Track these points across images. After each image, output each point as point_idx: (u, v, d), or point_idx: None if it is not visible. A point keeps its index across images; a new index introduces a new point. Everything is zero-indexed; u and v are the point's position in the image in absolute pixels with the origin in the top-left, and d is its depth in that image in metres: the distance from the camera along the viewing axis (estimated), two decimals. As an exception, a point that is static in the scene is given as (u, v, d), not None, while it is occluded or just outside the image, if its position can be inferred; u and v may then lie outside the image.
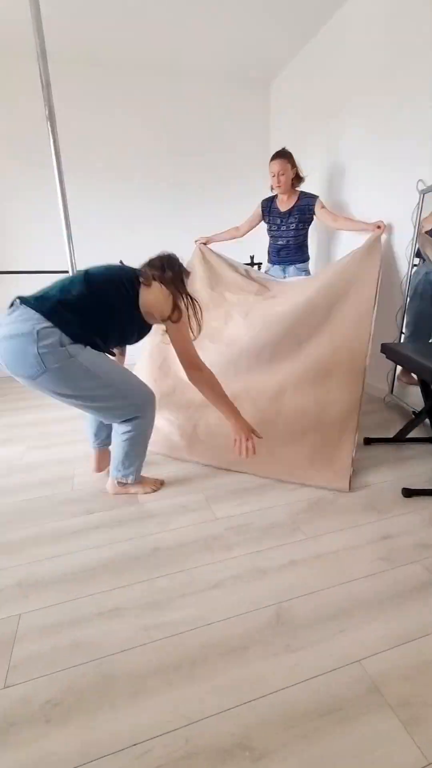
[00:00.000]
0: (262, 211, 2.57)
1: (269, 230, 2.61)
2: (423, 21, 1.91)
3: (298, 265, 2.62)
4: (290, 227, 2.48)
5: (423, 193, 2.02)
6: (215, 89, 3.32)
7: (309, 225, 2.50)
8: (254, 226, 2.65)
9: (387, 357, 1.82)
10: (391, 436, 1.97)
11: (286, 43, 2.82)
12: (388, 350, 1.81)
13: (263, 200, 2.57)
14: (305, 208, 2.43)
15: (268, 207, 2.54)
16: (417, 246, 2.11)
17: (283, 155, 2.34)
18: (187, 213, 3.51)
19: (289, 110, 3.22)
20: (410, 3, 1.96)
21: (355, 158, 2.52)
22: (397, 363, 2.02)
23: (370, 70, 2.29)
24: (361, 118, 2.40)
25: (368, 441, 1.96)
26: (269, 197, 2.55)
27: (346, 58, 2.46)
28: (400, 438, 1.94)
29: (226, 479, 1.72)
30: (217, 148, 3.45)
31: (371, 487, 1.63)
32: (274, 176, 2.36)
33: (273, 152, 2.39)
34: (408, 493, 1.55)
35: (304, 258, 2.63)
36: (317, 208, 2.41)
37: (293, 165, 2.37)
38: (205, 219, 3.15)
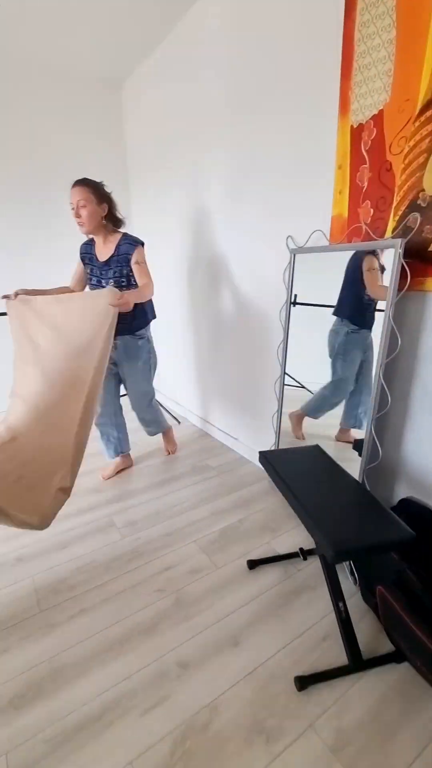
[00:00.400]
0: (82, 258, 1.98)
1: (89, 284, 1.99)
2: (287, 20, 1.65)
3: (126, 337, 1.96)
4: (109, 283, 1.86)
5: (293, 253, 1.78)
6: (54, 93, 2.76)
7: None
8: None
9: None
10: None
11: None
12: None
13: (82, 244, 1.98)
14: (123, 258, 1.84)
15: (88, 253, 1.94)
16: (290, 310, 1.87)
17: (84, 183, 1.75)
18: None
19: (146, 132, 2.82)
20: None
21: (222, 197, 2.22)
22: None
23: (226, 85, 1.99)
24: (223, 145, 2.11)
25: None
26: (88, 240, 1.97)
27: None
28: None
29: None
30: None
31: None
32: (73, 209, 1.76)
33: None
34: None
35: (137, 325, 1.98)
36: (132, 261, 1.83)
37: (101, 199, 1.79)
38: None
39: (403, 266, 1.27)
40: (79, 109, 2.84)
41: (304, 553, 1.60)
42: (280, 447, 2.05)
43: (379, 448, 1.43)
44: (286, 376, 1.96)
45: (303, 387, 1.91)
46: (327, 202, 1.59)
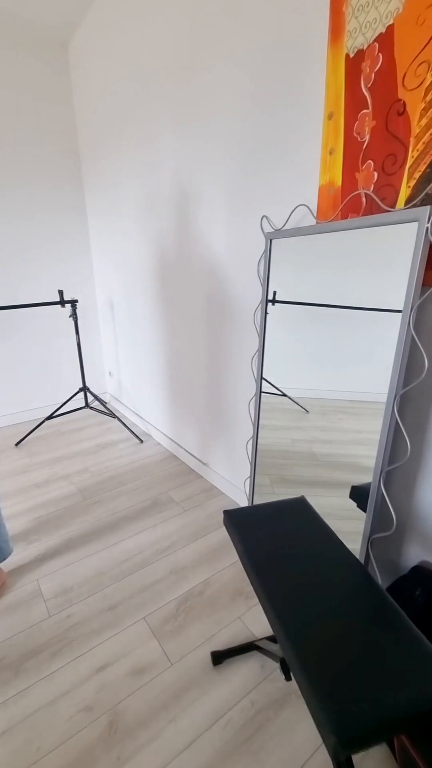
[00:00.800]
0: None
1: None
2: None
3: None
4: None
5: (269, 238, 1.36)
6: (-9, 48, 2.25)
7: None
8: None
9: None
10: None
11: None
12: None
13: None
14: None
15: None
16: (266, 312, 1.45)
17: None
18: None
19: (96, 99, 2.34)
20: None
21: (179, 176, 1.77)
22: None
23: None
24: (170, 108, 1.66)
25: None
26: None
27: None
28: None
29: None
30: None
31: None
32: None
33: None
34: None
35: None
36: None
37: None
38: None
39: None
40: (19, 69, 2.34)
41: (287, 671, 1.00)
42: (265, 477, 1.65)
43: (393, 514, 1.03)
44: (263, 393, 1.55)
45: (284, 395, 1.51)
46: (313, 167, 1.17)
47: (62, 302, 2.40)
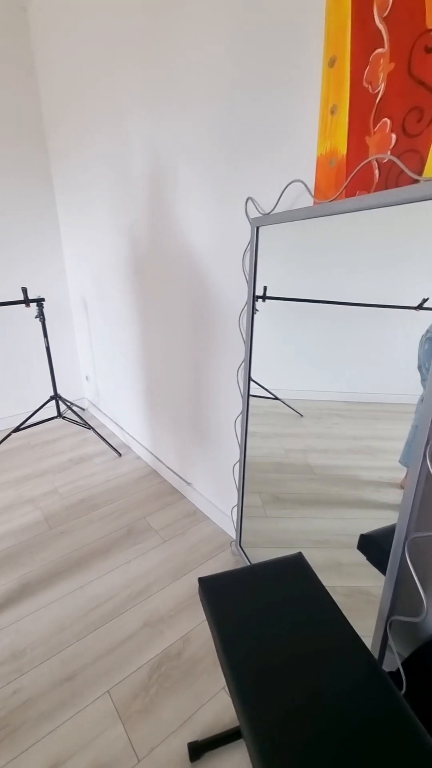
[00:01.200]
0: None
1: None
2: None
3: None
4: None
5: (256, 225, 1.11)
6: None
7: None
8: None
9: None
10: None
11: None
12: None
13: None
14: None
15: None
16: (253, 313, 1.21)
17: None
18: None
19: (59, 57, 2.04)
20: None
21: (150, 154, 1.50)
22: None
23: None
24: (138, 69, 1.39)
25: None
26: None
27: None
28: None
29: None
30: None
31: None
32: None
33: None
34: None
35: None
36: None
37: None
38: None
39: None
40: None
41: None
42: (255, 496, 1.41)
43: (423, 595, 0.78)
44: (252, 397, 1.31)
45: (276, 398, 1.28)
46: (310, 133, 0.92)
47: (26, 301, 2.13)
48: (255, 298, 1.18)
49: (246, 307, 1.23)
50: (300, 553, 0.89)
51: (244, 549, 1.49)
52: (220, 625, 0.75)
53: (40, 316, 2.23)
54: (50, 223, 2.51)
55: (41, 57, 2.12)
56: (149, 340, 1.89)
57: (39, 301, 2.19)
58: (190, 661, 1.16)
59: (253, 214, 1.14)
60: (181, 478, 1.93)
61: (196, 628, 1.26)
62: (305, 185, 0.92)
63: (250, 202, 1.14)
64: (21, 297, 2.52)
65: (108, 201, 1.88)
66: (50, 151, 2.35)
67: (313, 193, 0.93)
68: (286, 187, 0.97)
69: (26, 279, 2.52)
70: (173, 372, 1.76)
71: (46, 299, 2.56)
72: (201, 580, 0.82)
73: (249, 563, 1.43)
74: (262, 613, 0.77)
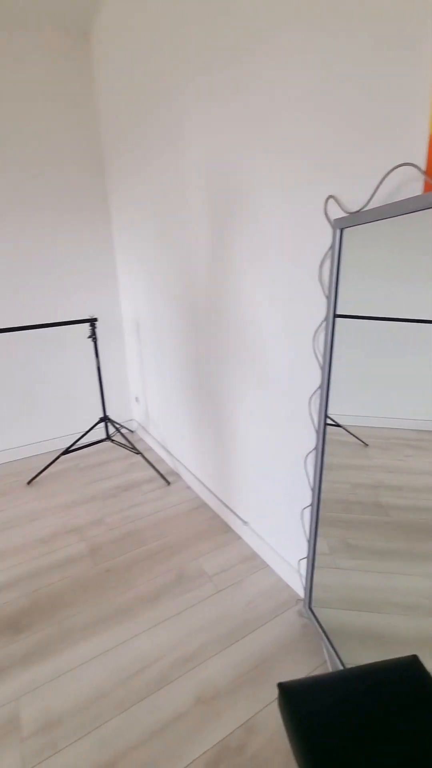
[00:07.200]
0: None
1: None
2: None
3: None
4: None
5: (339, 227, 0.92)
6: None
7: None
8: None
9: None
10: None
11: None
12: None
13: None
14: None
15: None
16: (333, 332, 1.01)
17: None
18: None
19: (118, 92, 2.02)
20: None
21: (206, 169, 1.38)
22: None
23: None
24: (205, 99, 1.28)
25: None
26: None
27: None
28: None
29: None
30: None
31: None
32: None
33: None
34: None
35: None
36: None
37: None
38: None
39: None
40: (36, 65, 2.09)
41: None
42: (322, 541, 1.18)
43: None
44: (326, 439, 1.10)
45: (338, 425, 1.08)
46: (418, 104, 0.73)
47: (78, 321, 2.08)
48: (336, 315, 0.99)
49: (324, 326, 1.04)
50: (415, 656, 0.66)
51: (314, 611, 1.25)
52: (307, 756, 0.54)
53: (93, 336, 2.17)
54: (107, 250, 2.50)
55: (102, 83, 2.13)
56: (200, 363, 1.74)
57: (92, 321, 2.14)
58: (255, 761, 0.93)
59: (336, 214, 0.95)
60: (236, 514, 1.73)
61: (260, 713, 1.03)
62: (418, 168, 0.72)
63: (331, 201, 0.96)
64: (74, 320, 2.50)
65: (159, 223, 1.79)
66: (106, 178, 2.35)
67: (424, 179, 0.73)
68: (387, 174, 0.78)
69: (83, 299, 2.51)
70: (233, 398, 1.59)
71: (99, 319, 2.53)
72: (282, 687, 0.61)
73: (321, 631, 1.18)
74: (364, 745, 0.54)
